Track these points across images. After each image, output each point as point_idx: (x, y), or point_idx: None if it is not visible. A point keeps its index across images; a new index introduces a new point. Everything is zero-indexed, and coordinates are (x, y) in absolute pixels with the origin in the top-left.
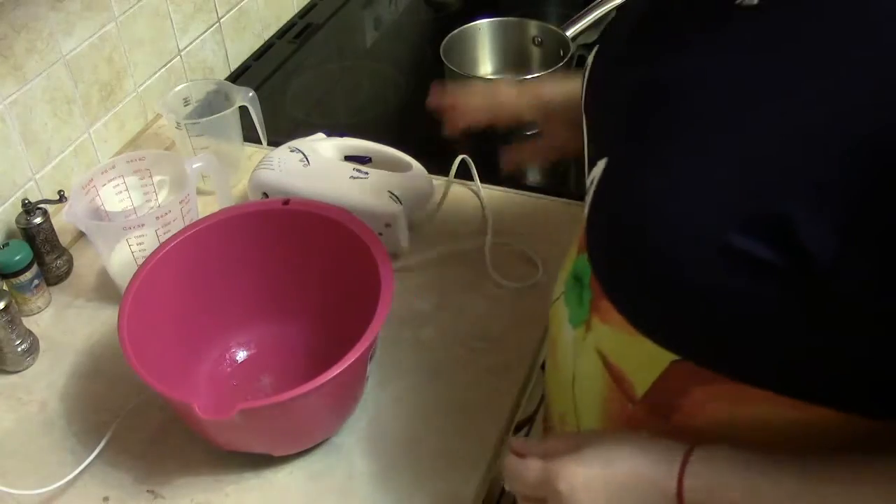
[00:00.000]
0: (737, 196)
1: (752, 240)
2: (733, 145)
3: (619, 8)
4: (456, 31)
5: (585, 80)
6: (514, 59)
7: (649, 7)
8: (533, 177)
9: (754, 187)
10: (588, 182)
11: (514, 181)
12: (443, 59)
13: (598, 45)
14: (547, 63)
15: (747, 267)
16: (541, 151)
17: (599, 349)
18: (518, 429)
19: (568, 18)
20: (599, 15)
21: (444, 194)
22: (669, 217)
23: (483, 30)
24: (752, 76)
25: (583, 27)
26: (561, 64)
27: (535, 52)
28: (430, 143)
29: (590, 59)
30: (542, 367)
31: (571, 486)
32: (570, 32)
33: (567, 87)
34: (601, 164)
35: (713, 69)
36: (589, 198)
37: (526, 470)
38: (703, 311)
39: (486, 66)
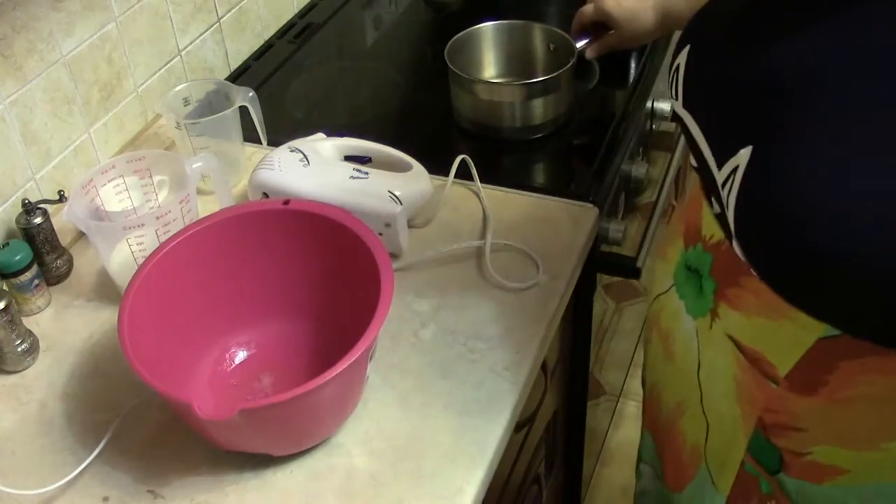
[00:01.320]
0: None
1: None
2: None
3: (708, 4)
4: (460, 33)
5: (682, 77)
6: (518, 63)
7: None
8: (534, 177)
9: None
10: (724, 171)
11: (515, 181)
12: (447, 61)
13: (689, 44)
14: (551, 68)
15: None
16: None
17: (731, 335)
18: (519, 428)
19: (567, 20)
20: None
21: (444, 194)
22: (842, 204)
23: (488, 33)
24: None
25: (592, 40)
26: (566, 68)
27: (541, 58)
28: (430, 143)
29: (682, 58)
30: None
31: None
32: (579, 44)
33: None
34: (744, 154)
35: (864, 49)
36: (734, 187)
37: None
38: (870, 294)
39: (489, 69)
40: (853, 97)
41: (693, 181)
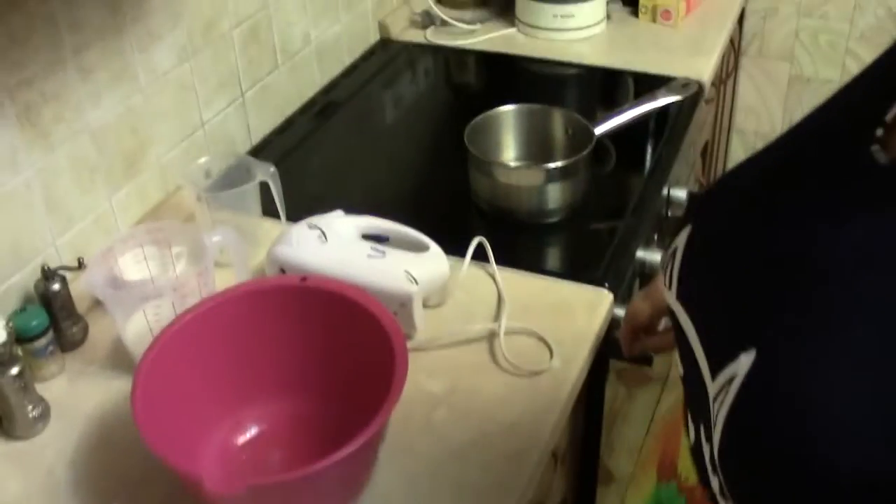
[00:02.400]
0: None
1: None
2: None
3: (715, 184)
4: (480, 116)
5: (678, 263)
6: (537, 147)
7: (766, 177)
8: (550, 261)
9: None
10: (719, 381)
11: (530, 264)
12: (466, 143)
13: (691, 224)
14: (569, 153)
15: None
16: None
17: None
18: None
19: (585, 105)
20: (628, 120)
21: (460, 276)
22: (860, 425)
23: (507, 116)
24: None
25: (610, 128)
26: (584, 153)
27: (559, 142)
28: (448, 224)
29: (681, 240)
30: None
31: None
32: (598, 130)
33: None
34: (745, 359)
35: (884, 241)
36: (727, 399)
37: None
38: None
39: (508, 151)
40: (870, 293)
41: (678, 399)
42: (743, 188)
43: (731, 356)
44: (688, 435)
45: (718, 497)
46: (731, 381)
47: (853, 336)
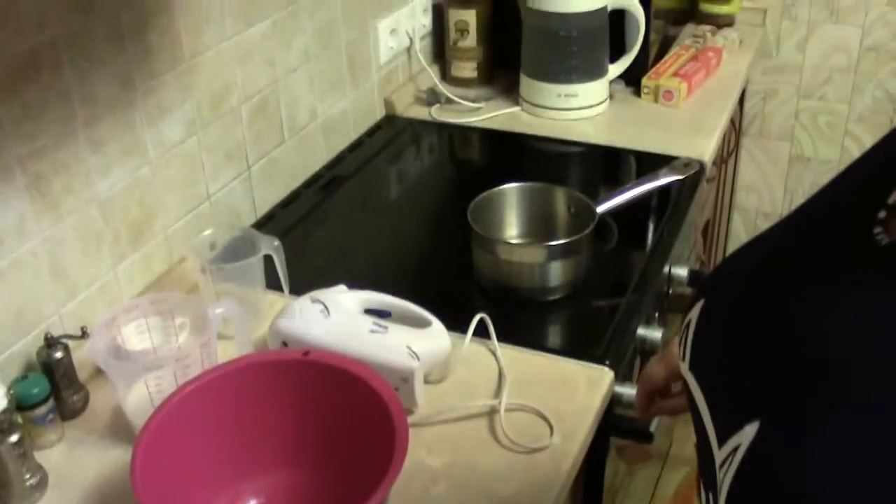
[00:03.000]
0: None
1: None
2: None
3: (726, 260)
4: (483, 194)
5: (691, 333)
6: (539, 225)
7: (773, 255)
8: (551, 338)
9: None
10: (725, 449)
11: (531, 341)
12: (469, 220)
13: (703, 298)
14: (572, 230)
15: None
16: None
17: None
18: None
19: (588, 183)
20: (630, 198)
21: (462, 352)
22: (843, 496)
23: (510, 194)
24: None
25: (613, 206)
26: (586, 231)
27: (562, 220)
28: (450, 299)
29: (694, 312)
30: None
31: None
32: (600, 209)
33: None
34: (749, 430)
35: (877, 328)
36: (732, 467)
37: None
38: None
39: (511, 229)
40: (871, 376)
41: (692, 467)
42: (746, 270)
43: (737, 427)
44: (700, 502)
45: None
46: (735, 449)
47: (852, 423)
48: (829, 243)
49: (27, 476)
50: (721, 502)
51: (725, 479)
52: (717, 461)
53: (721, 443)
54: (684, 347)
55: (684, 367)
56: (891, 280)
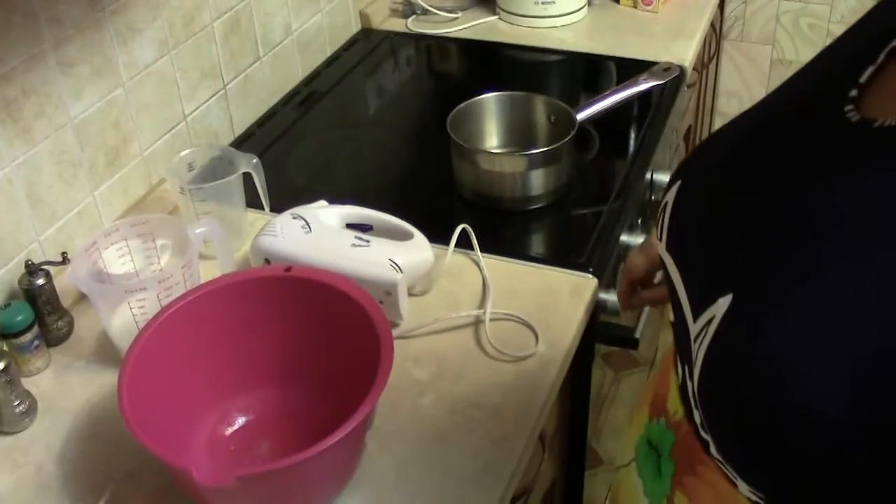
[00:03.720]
0: (888, 337)
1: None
2: (884, 283)
3: (701, 144)
4: (462, 104)
5: (668, 215)
6: (519, 134)
7: (749, 135)
8: (534, 247)
9: None
10: (700, 322)
11: (515, 251)
12: (449, 132)
13: (680, 180)
14: (552, 139)
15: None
16: (660, 296)
17: None
18: (516, 499)
19: (567, 91)
20: (610, 105)
21: (444, 263)
22: (822, 366)
23: (489, 103)
24: None
25: (593, 113)
26: (567, 139)
27: (542, 129)
28: (431, 212)
29: (671, 195)
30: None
31: None
32: (580, 116)
33: None
34: (722, 303)
35: (853, 199)
36: (706, 339)
37: None
38: (839, 468)
39: (491, 139)
40: (847, 246)
41: (668, 347)
42: (725, 149)
43: (711, 300)
44: (677, 375)
45: (700, 431)
46: (709, 322)
47: (821, 287)
48: (802, 122)
49: (16, 403)
50: (696, 373)
51: (700, 351)
52: (692, 334)
53: (696, 317)
54: (661, 228)
55: (661, 248)
56: (859, 155)
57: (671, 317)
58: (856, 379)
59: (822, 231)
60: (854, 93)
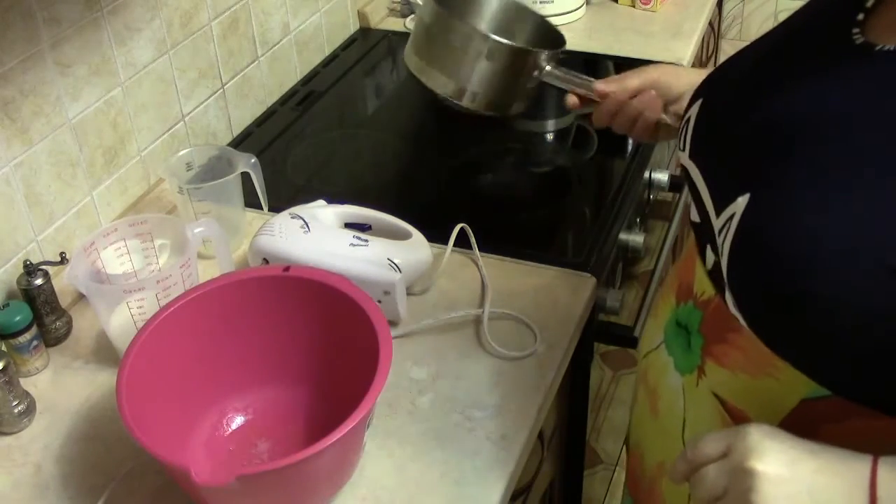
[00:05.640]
0: None
1: None
2: (876, 176)
3: (720, 66)
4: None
5: (691, 129)
6: None
7: (764, 56)
8: (532, 246)
9: None
10: (722, 218)
11: (513, 250)
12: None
13: (702, 98)
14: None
15: None
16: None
17: (717, 393)
18: (515, 498)
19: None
20: None
21: (443, 263)
22: (832, 252)
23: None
24: None
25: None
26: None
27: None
28: (430, 211)
29: (693, 110)
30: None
31: (760, 482)
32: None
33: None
34: (741, 201)
35: (860, 108)
36: (729, 233)
37: (706, 478)
38: (866, 340)
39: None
40: (848, 147)
41: (689, 242)
42: (742, 67)
43: (731, 199)
44: (703, 263)
45: (733, 309)
46: (731, 217)
47: (829, 183)
48: (812, 44)
49: (14, 403)
50: (724, 261)
51: (725, 242)
52: (716, 228)
53: (718, 213)
54: (685, 139)
55: (685, 157)
56: (864, 73)
57: (694, 216)
58: (864, 260)
59: (821, 134)
60: (861, 17)
